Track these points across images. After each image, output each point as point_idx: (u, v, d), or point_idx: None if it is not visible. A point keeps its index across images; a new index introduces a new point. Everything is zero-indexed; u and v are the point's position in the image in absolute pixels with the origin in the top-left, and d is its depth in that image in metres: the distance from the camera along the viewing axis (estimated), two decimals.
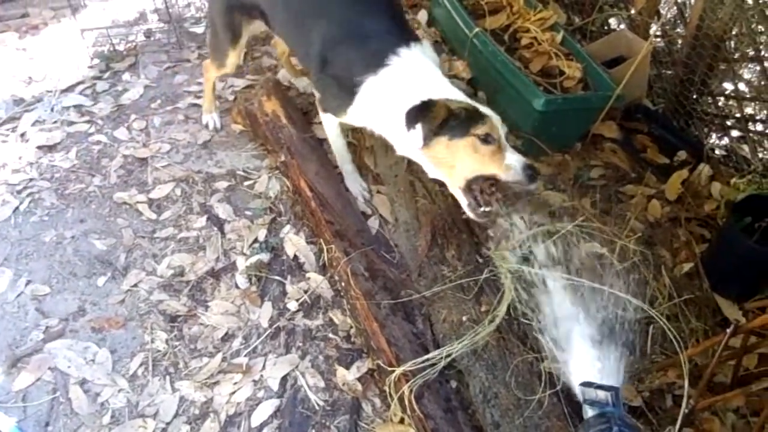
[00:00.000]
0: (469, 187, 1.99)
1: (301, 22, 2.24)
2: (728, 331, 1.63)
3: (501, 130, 1.97)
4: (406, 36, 2.14)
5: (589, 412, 1.42)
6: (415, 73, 2.07)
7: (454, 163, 1.97)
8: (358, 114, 2.20)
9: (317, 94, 2.39)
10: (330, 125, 2.49)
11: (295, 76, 3.13)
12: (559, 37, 3.02)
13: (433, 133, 1.93)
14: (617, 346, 1.63)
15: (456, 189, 2.03)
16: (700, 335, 2.22)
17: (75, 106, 3.01)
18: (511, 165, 1.91)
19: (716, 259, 2.45)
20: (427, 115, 1.92)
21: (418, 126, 1.92)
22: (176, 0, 3.56)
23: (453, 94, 2.05)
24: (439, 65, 2.17)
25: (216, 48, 2.64)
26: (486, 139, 1.92)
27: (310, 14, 2.20)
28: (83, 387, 2.00)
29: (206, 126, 2.92)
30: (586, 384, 1.46)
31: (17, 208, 2.52)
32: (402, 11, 2.27)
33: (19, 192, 2.57)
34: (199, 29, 3.53)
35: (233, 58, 2.62)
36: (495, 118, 1.99)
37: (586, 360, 1.61)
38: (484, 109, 2.00)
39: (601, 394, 1.41)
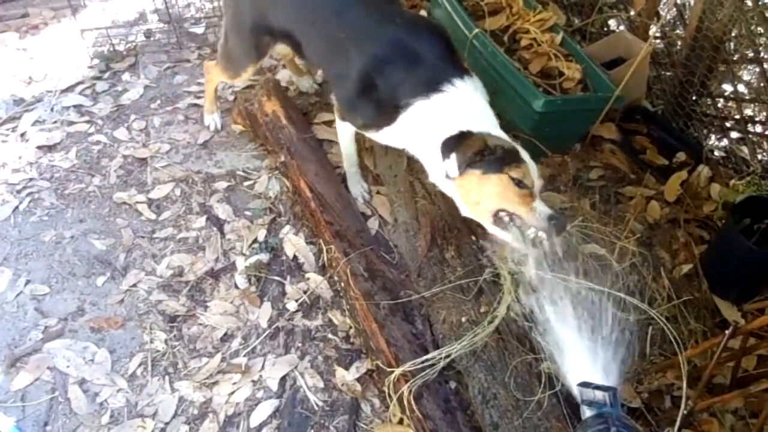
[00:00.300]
0: (497, 216, 1.92)
1: (341, 44, 2.18)
2: (727, 332, 1.63)
3: (537, 180, 1.93)
4: (460, 67, 2.12)
5: (587, 413, 1.42)
6: (466, 105, 2.03)
7: (481, 199, 1.92)
8: (394, 134, 2.16)
9: (342, 108, 2.35)
10: (346, 133, 2.47)
11: (299, 76, 3.12)
12: (558, 39, 3.02)
13: (467, 164, 1.87)
14: (615, 347, 1.63)
15: (488, 225, 1.97)
16: (699, 336, 2.23)
17: (75, 106, 3.01)
18: (537, 209, 1.86)
19: (715, 260, 2.45)
20: (463, 145, 1.89)
21: (453, 155, 1.88)
22: (176, 0, 3.56)
23: (496, 132, 2.01)
24: (488, 102, 2.14)
25: (231, 59, 2.59)
26: (519, 183, 1.86)
27: (355, 36, 2.15)
28: (82, 387, 2.00)
29: (208, 127, 2.92)
30: (584, 384, 1.46)
31: (17, 207, 2.52)
32: (452, 42, 2.21)
33: (18, 192, 2.57)
34: (199, 29, 3.53)
35: (250, 73, 2.63)
36: (532, 165, 1.96)
37: (583, 361, 1.61)
38: (524, 155, 1.96)
39: (599, 395, 1.41)
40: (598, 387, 1.43)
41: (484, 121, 2.04)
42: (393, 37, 2.12)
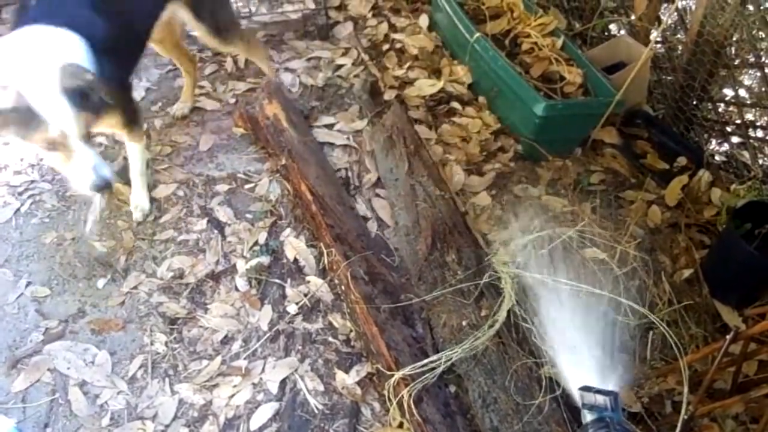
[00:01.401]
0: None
1: None
2: (728, 337, 1.63)
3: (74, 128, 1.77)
4: None
5: (587, 417, 1.42)
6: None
7: None
8: None
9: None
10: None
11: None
12: (559, 43, 3.03)
13: None
14: (615, 351, 1.63)
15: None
16: (699, 341, 2.23)
17: None
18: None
19: (716, 265, 2.45)
20: None
21: None
22: None
23: None
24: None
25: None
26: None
27: None
28: (83, 389, 2.00)
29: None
30: (585, 388, 1.46)
31: (18, 209, 2.52)
32: None
33: (20, 194, 2.57)
34: None
35: None
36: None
37: (584, 365, 1.61)
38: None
39: (600, 399, 1.40)
40: (599, 391, 1.43)
41: None
42: None
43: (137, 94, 3.11)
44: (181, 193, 2.64)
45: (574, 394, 1.51)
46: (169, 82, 3.22)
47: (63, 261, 2.35)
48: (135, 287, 2.29)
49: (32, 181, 2.63)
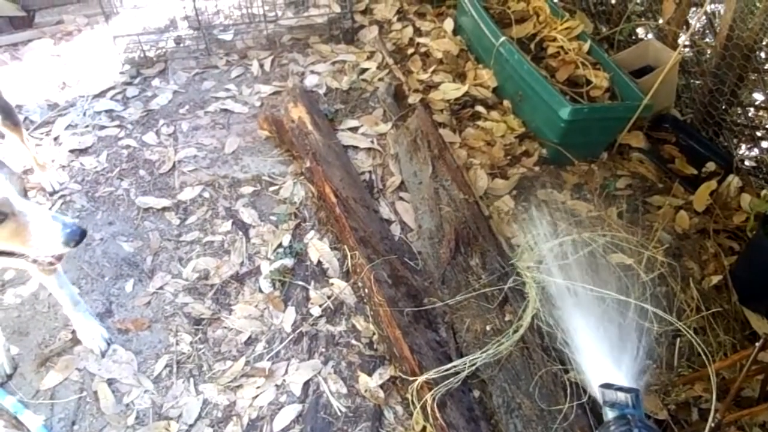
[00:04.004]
0: None
1: None
2: (757, 345, 1.61)
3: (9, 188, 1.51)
4: None
5: (608, 414, 1.41)
6: None
7: None
8: None
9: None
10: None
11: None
12: (586, 47, 3.01)
13: None
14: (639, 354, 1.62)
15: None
16: (728, 349, 2.19)
17: (106, 111, 3.07)
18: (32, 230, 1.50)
19: (745, 272, 2.41)
20: None
21: None
22: (206, 7, 3.62)
23: None
24: None
25: None
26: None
27: None
28: (110, 387, 2.03)
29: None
30: (606, 385, 1.45)
31: (49, 210, 2.56)
32: None
33: (51, 194, 2.62)
34: (228, 36, 3.58)
35: None
36: None
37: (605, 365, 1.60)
38: None
39: (621, 395, 1.39)
40: (620, 388, 1.41)
41: None
42: None
43: (164, 97, 3.16)
44: (206, 194, 2.67)
45: (595, 393, 1.50)
46: (196, 85, 3.26)
47: (91, 261, 2.39)
48: (161, 288, 2.32)
49: (62, 183, 2.67)
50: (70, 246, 1.51)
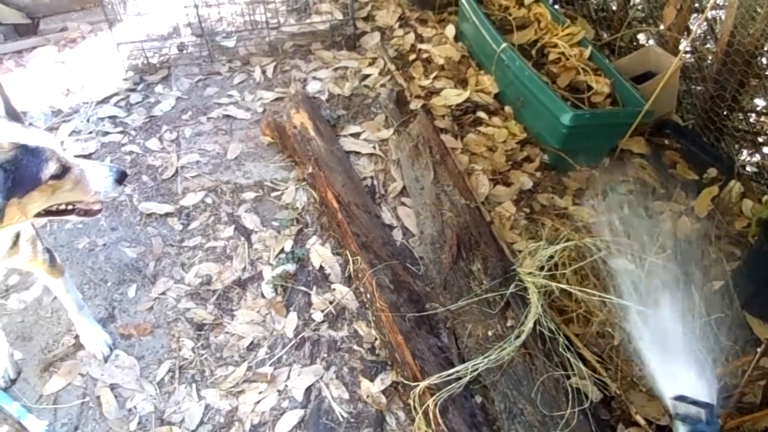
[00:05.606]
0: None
1: None
2: (759, 350, 1.60)
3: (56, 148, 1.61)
4: None
5: (680, 429, 1.36)
6: None
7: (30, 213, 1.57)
8: None
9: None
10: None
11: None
12: (587, 53, 3.02)
13: None
14: None
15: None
16: (729, 354, 2.18)
17: (110, 117, 3.08)
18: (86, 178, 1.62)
19: (747, 277, 2.41)
20: None
21: None
22: (208, 15, 3.63)
23: None
24: None
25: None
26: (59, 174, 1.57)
27: None
28: (112, 392, 2.03)
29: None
30: (679, 398, 1.39)
31: None
32: None
33: None
34: (230, 43, 3.60)
35: None
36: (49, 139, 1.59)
37: None
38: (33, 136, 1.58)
39: (694, 410, 1.34)
40: (694, 402, 1.36)
41: None
42: None
43: (168, 103, 3.17)
44: (209, 200, 2.68)
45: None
46: (199, 92, 3.28)
47: (94, 266, 2.40)
48: (163, 293, 2.33)
49: None
50: (120, 184, 1.67)
